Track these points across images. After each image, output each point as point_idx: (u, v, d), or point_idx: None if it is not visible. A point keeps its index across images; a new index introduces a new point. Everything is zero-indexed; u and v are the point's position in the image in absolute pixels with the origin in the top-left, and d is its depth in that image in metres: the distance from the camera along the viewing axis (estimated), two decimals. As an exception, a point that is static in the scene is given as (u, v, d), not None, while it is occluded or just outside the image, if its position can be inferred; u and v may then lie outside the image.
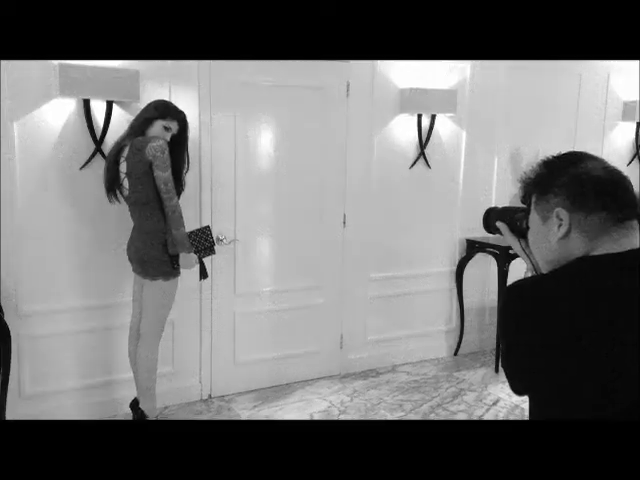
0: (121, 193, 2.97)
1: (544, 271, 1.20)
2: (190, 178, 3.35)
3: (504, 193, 4.39)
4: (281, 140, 3.65)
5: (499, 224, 1.38)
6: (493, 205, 1.28)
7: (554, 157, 1.19)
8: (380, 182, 4.02)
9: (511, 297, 1.15)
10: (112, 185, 2.94)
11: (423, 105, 3.99)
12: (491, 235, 1.51)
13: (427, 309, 4.34)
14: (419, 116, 4.04)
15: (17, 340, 3.08)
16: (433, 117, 4.08)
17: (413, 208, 4.16)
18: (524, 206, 1.25)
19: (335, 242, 3.90)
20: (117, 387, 3.36)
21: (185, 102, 3.32)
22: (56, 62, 2.94)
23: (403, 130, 4.04)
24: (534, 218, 1.19)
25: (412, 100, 3.94)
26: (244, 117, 3.51)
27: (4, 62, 2.89)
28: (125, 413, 3.24)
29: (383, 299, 4.16)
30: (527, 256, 1.31)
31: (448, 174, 4.25)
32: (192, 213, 3.41)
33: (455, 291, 4.39)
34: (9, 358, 2.78)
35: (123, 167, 2.88)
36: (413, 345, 4.32)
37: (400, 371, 4.14)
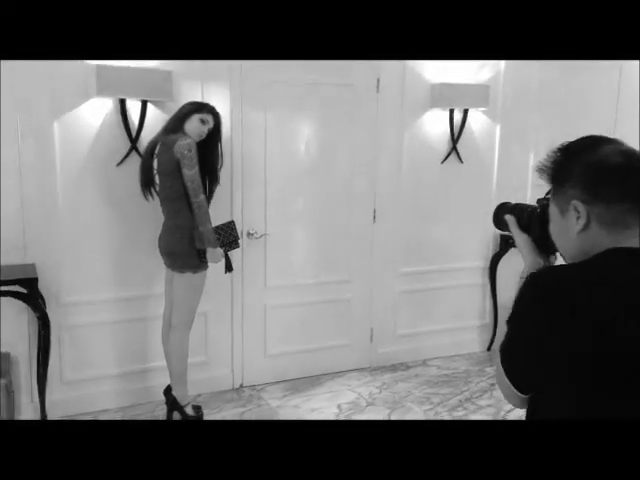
0: (154, 189, 3.09)
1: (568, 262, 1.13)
2: (222, 174, 3.45)
3: (540, 188, 4.32)
4: (311, 137, 3.72)
5: (507, 217, 1.34)
6: (528, 201, 1.25)
7: (570, 143, 1.11)
8: (411, 177, 4.04)
9: (531, 284, 1.06)
10: (147, 182, 3.07)
11: (455, 100, 3.98)
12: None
13: (459, 304, 4.34)
14: (451, 111, 4.04)
15: (58, 328, 3.26)
16: (465, 112, 4.07)
17: (445, 203, 4.16)
18: (543, 202, 1.21)
19: (365, 237, 3.95)
20: (152, 375, 3.50)
21: (217, 100, 3.41)
22: (94, 63, 3.08)
23: (434, 125, 4.05)
24: (553, 211, 1.13)
25: (443, 95, 3.94)
26: (275, 115, 3.59)
27: (45, 63, 3.04)
28: (160, 400, 3.38)
29: (414, 293, 4.18)
30: (529, 255, 1.27)
31: (481, 169, 4.24)
32: (224, 208, 3.51)
33: (488, 287, 4.37)
34: (49, 344, 2.94)
35: (155, 164, 3.01)
36: (444, 340, 4.32)
37: (430, 365, 4.16)
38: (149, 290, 3.43)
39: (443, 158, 4.09)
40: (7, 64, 2.97)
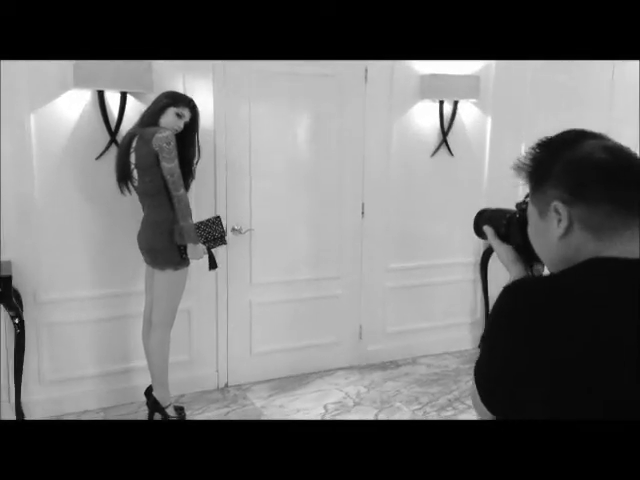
0: (132, 184, 2.99)
1: (551, 271, 1.03)
2: (205, 168, 3.36)
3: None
4: (297, 129, 3.62)
5: (485, 228, 1.22)
6: (521, 199, 1.12)
7: (550, 138, 1.01)
8: (400, 170, 3.94)
9: (507, 295, 0.97)
10: (123, 176, 2.97)
11: (445, 91, 3.89)
12: None
13: (450, 300, 4.26)
14: (441, 102, 3.94)
15: (36, 327, 3.16)
16: (455, 103, 3.98)
17: (435, 197, 4.08)
18: (522, 206, 1.11)
19: (353, 232, 3.86)
20: (134, 375, 3.41)
21: (199, 91, 3.32)
22: (69, 54, 2.97)
23: (424, 117, 3.95)
24: (532, 212, 1.02)
25: (433, 86, 3.85)
26: (258, 106, 3.49)
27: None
28: (142, 400, 3.28)
29: (403, 290, 4.09)
30: (513, 267, 1.16)
31: (472, 162, 4.15)
32: (208, 202, 3.42)
33: (480, 282, 4.29)
34: (23, 344, 2.84)
35: (133, 158, 2.91)
36: (435, 337, 4.24)
37: (420, 363, 4.08)
38: (130, 287, 3.34)
39: (433, 151, 4.00)
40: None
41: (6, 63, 2.91)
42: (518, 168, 1.04)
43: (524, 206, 1.10)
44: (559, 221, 0.96)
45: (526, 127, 4.21)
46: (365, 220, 3.88)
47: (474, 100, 4.02)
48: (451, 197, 4.11)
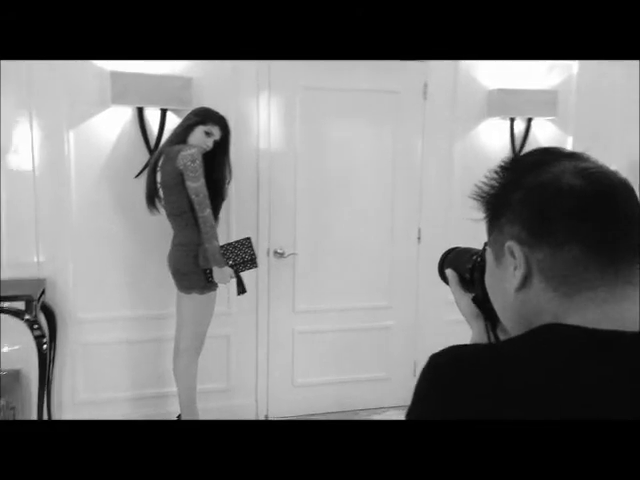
0: (160, 203, 2.89)
1: (511, 334, 0.79)
2: (247, 187, 3.23)
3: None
4: (347, 147, 3.39)
5: (448, 272, 0.97)
6: None
7: (514, 157, 0.80)
8: (463, 194, 3.59)
9: (427, 370, 0.73)
10: (151, 195, 2.87)
11: (516, 108, 3.53)
12: None
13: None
14: (511, 120, 3.58)
15: (71, 346, 3.13)
16: (529, 121, 3.60)
17: (504, 223, 3.69)
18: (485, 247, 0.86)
19: (408, 258, 3.56)
20: (168, 400, 3.28)
21: (244, 108, 3.19)
22: (108, 69, 2.94)
23: (492, 136, 3.60)
24: (489, 257, 0.80)
25: (502, 102, 3.50)
26: (306, 123, 3.31)
27: (61, 71, 2.93)
28: (175, 428, 3.15)
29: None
30: (475, 323, 0.91)
31: (548, 186, 3.73)
32: (249, 224, 3.26)
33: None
34: (46, 364, 2.79)
35: (159, 177, 2.81)
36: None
37: (482, 407, 3.67)
38: (166, 309, 3.23)
39: (502, 173, 3.63)
40: (24, 72, 2.89)
41: (46, 79, 2.92)
42: (478, 198, 0.80)
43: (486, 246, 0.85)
44: (515, 268, 0.72)
45: (612, 149, 3.73)
46: (422, 246, 3.57)
47: (551, 117, 3.62)
48: (522, 224, 3.71)
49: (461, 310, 0.94)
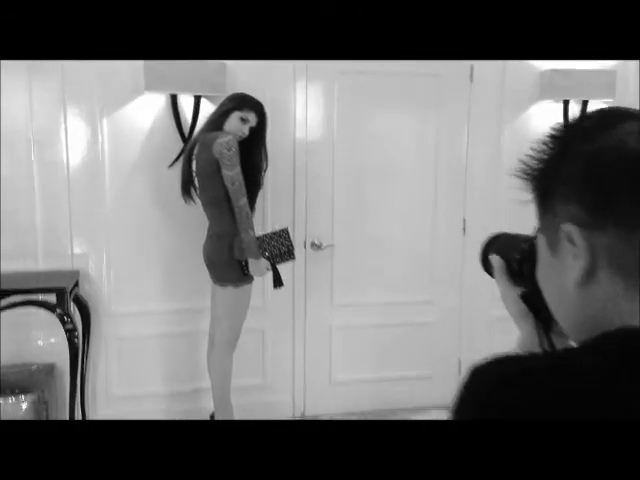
0: (196, 193, 2.79)
1: (571, 339, 0.66)
2: (283, 177, 3.10)
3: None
4: (388, 134, 3.22)
5: (493, 257, 0.83)
6: None
7: (569, 123, 0.63)
8: (512, 182, 3.39)
9: (467, 388, 0.58)
10: (186, 185, 2.78)
11: (571, 89, 3.29)
12: None
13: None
14: (565, 103, 3.35)
15: (105, 340, 3.08)
16: (585, 104, 3.36)
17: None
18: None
19: (452, 250, 3.38)
20: (204, 395, 3.20)
21: (279, 94, 3.06)
22: (140, 56, 2.85)
23: (544, 120, 3.37)
24: (541, 245, 0.65)
25: (556, 84, 3.27)
26: (345, 109, 3.16)
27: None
28: (210, 424, 3.07)
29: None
30: (523, 324, 0.78)
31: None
32: (285, 215, 3.14)
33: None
34: (77, 358, 2.72)
35: (194, 165, 2.71)
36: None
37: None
38: (202, 302, 3.13)
39: (554, 160, 3.41)
40: (55, 61, 2.82)
41: (78, 67, 2.85)
42: (524, 175, 0.64)
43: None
44: (574, 257, 0.58)
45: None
46: (467, 238, 3.38)
47: (610, 100, 3.37)
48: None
49: (507, 307, 0.81)
